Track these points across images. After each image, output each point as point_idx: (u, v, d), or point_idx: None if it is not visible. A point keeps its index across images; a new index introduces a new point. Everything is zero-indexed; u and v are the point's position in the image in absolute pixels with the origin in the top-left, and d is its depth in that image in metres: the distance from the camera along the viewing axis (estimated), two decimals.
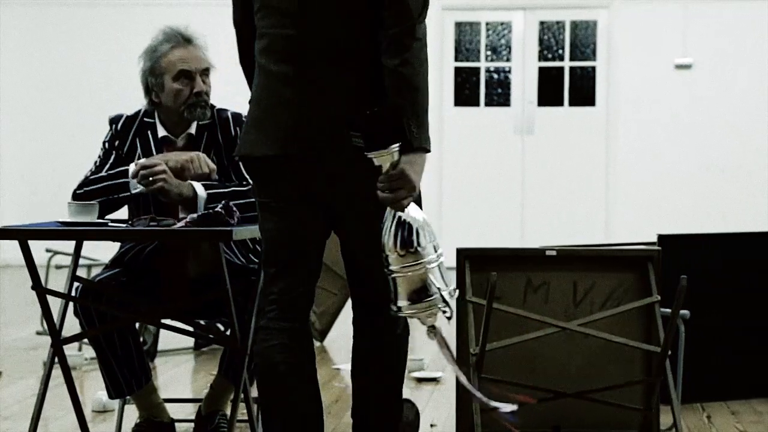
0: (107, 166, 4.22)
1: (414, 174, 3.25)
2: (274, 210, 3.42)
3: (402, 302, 3.19)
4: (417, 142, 3.28)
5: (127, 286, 4.17)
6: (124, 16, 12.25)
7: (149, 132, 4.27)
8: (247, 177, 4.19)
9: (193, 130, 4.27)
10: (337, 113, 3.30)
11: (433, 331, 3.21)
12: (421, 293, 3.16)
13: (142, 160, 4.12)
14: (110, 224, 3.90)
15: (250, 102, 3.47)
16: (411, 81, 3.29)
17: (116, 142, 4.26)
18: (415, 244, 3.17)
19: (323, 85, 3.33)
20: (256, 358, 3.46)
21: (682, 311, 4.55)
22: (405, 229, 3.18)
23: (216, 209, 3.85)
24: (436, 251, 3.20)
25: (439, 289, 3.17)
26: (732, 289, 5.23)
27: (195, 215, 3.85)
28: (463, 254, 4.34)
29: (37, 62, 12.63)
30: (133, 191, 4.09)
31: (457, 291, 3.27)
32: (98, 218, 3.92)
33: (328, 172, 3.35)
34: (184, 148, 4.25)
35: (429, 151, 3.33)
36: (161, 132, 4.26)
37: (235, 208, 3.91)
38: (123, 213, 4.26)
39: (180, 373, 6.11)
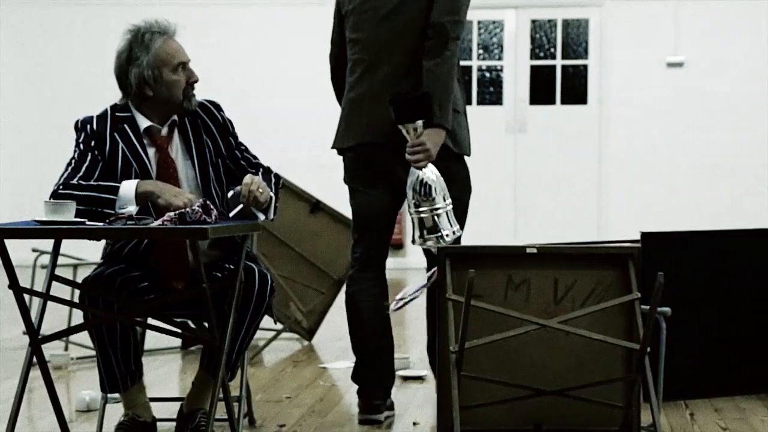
0: (84, 169, 4.20)
1: (432, 144, 4.53)
2: (359, 193, 4.73)
3: (418, 235, 4.46)
4: (437, 119, 4.55)
5: (132, 282, 4.18)
6: (120, 16, 12.23)
7: (126, 125, 4.27)
8: (251, 159, 4.34)
9: (175, 117, 4.29)
10: None
11: None
12: (431, 230, 4.46)
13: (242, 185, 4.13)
14: (87, 223, 3.89)
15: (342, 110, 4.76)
16: (439, 76, 4.54)
17: (92, 143, 4.25)
18: (428, 194, 4.43)
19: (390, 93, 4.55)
20: (346, 299, 4.76)
21: (663, 308, 4.54)
22: (422, 183, 4.45)
23: (193, 207, 3.85)
24: (444, 201, 4.47)
25: (442, 228, 4.43)
26: (716, 286, 5.22)
27: (173, 213, 3.85)
28: (443, 252, 4.33)
29: (32, 62, 12.62)
30: (119, 211, 4.06)
31: (460, 232, 4.55)
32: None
33: (401, 158, 4.54)
34: (168, 135, 4.29)
35: (447, 128, 4.61)
36: (144, 123, 4.27)
37: (212, 207, 3.91)
38: None
39: (166, 372, 6.11)
